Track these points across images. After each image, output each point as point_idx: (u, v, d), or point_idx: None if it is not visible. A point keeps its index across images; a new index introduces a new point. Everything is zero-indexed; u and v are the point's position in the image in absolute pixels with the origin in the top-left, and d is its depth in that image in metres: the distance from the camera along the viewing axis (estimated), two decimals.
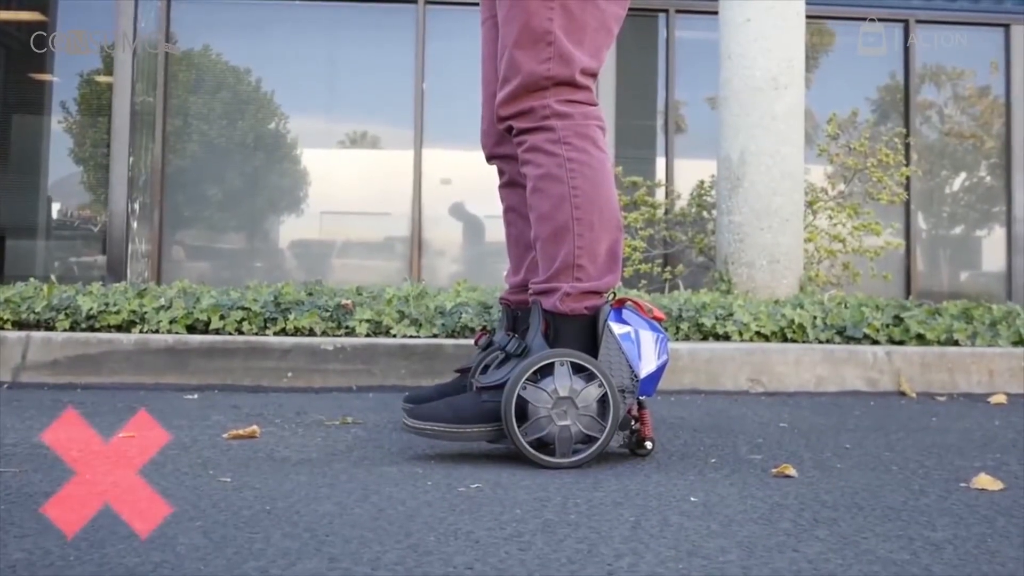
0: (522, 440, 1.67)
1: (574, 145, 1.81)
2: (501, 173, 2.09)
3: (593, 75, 1.87)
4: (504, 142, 2.02)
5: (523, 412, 1.68)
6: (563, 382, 1.68)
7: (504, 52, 1.85)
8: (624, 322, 1.76)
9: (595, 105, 1.89)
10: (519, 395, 1.67)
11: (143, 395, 2.69)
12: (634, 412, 1.80)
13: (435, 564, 1.10)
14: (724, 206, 4.29)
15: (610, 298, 1.82)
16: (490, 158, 2.09)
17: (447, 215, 6.40)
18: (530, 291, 1.85)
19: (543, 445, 1.69)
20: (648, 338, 1.76)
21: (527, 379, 1.68)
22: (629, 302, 1.81)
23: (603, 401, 1.70)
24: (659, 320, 1.82)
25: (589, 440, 1.69)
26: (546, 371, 1.69)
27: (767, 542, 1.22)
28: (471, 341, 3.04)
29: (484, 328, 2.14)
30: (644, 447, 1.80)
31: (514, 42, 1.82)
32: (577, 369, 1.70)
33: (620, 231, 1.84)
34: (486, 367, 1.87)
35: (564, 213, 1.78)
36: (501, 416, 1.68)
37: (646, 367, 1.75)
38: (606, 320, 1.74)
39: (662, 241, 5.51)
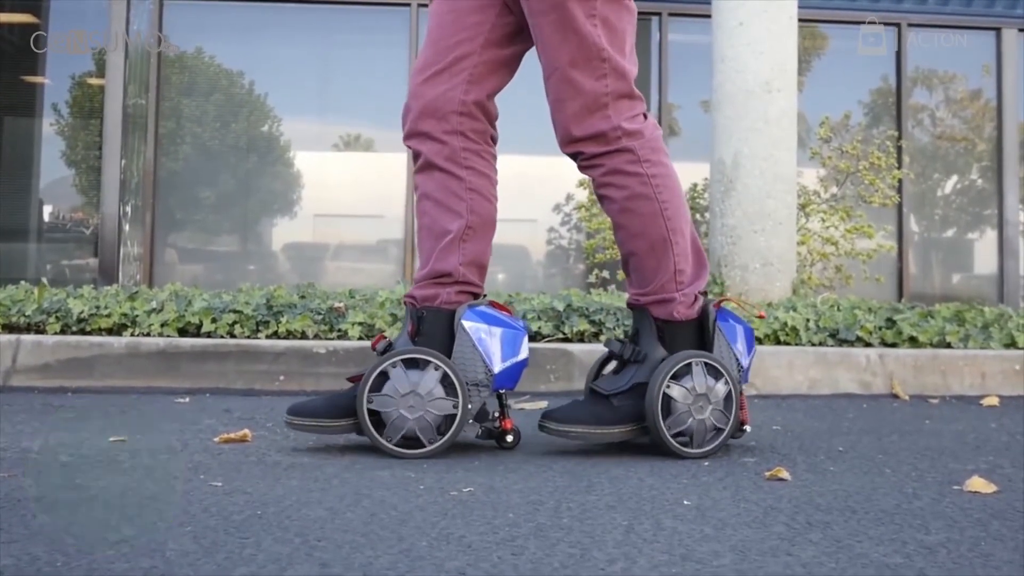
0: (667, 434, 1.81)
1: (652, 161, 1.89)
2: (417, 156, 1.94)
3: (634, 79, 1.92)
4: (425, 119, 1.89)
5: (666, 408, 1.82)
6: (699, 380, 1.83)
7: (554, 73, 1.86)
8: (726, 320, 1.96)
9: (647, 112, 1.94)
10: (664, 394, 1.81)
11: (134, 399, 2.68)
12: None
13: (427, 569, 1.09)
14: (717, 209, 4.29)
15: (712, 300, 1.97)
16: (408, 136, 1.94)
17: None
18: (632, 300, 1.94)
19: (681, 437, 1.83)
20: (740, 332, 1.97)
21: (670, 379, 1.82)
22: (726, 301, 2.03)
23: (728, 396, 1.86)
24: (762, 318, 2.10)
25: (717, 431, 1.85)
26: (683, 371, 1.83)
27: (761, 546, 1.21)
28: None
29: (381, 333, 2.07)
30: (743, 430, 1.94)
31: (569, 62, 1.84)
32: (706, 368, 1.85)
33: (692, 222, 1.97)
34: (608, 373, 1.97)
35: (659, 228, 1.89)
36: (646, 412, 1.81)
37: (746, 358, 1.97)
38: (715, 321, 1.92)
39: None
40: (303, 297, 3.38)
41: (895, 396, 3.04)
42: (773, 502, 1.47)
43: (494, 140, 1.99)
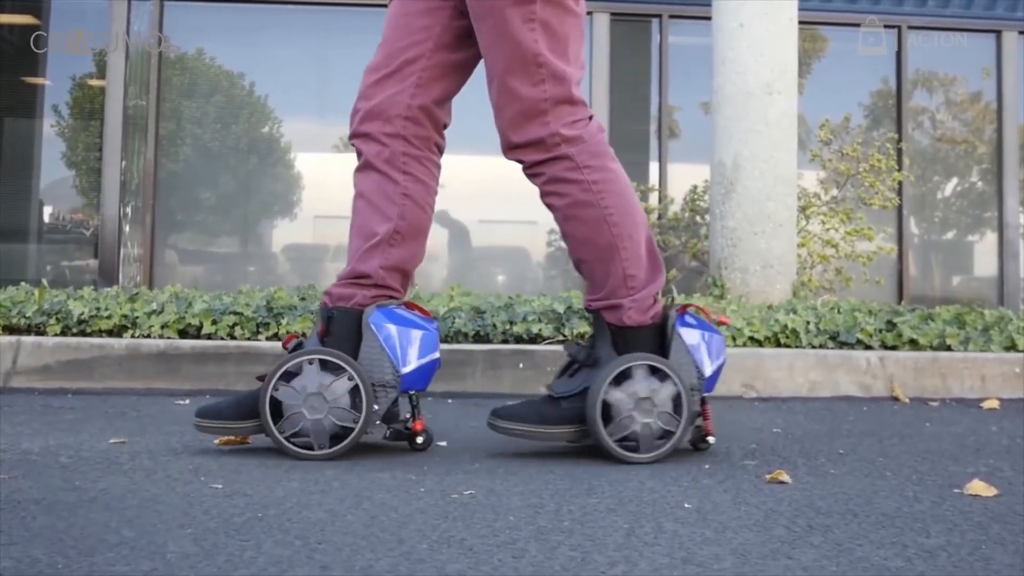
0: (609, 440, 1.79)
1: (593, 167, 1.86)
2: (359, 154, 1.96)
3: (579, 83, 1.89)
4: (371, 120, 1.90)
5: (607, 414, 1.79)
6: (642, 384, 1.79)
7: (493, 79, 1.85)
8: (690, 326, 1.89)
9: (592, 116, 1.91)
10: (604, 400, 1.78)
11: (134, 400, 2.68)
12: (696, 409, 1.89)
13: (428, 571, 1.09)
14: (717, 211, 4.29)
15: (674, 304, 1.94)
16: (353, 136, 1.96)
17: (437, 221, 6.38)
18: (587, 304, 1.94)
19: (626, 442, 1.80)
20: (704, 338, 1.89)
21: (609, 384, 1.78)
22: (691, 307, 1.94)
23: (676, 399, 1.81)
24: (723, 324, 2.03)
25: (666, 435, 1.81)
26: (625, 375, 1.80)
27: (761, 549, 1.21)
28: (465, 346, 3.04)
29: (293, 333, 2.06)
30: (706, 441, 1.92)
31: (505, 69, 1.83)
32: (652, 371, 1.81)
33: (647, 225, 1.93)
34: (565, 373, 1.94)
35: (604, 234, 1.87)
36: (586, 419, 1.79)
37: (709, 367, 1.89)
38: (675, 326, 1.86)
39: None
40: (303, 299, 3.37)
41: (895, 399, 3.04)
42: (774, 505, 1.47)
43: (440, 149, 1.98)
